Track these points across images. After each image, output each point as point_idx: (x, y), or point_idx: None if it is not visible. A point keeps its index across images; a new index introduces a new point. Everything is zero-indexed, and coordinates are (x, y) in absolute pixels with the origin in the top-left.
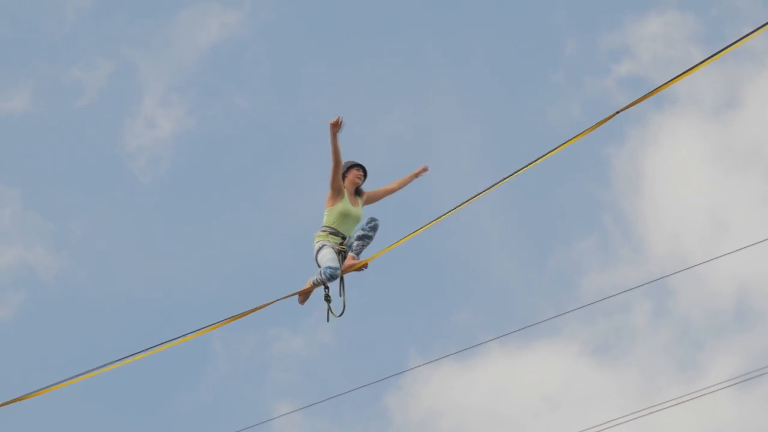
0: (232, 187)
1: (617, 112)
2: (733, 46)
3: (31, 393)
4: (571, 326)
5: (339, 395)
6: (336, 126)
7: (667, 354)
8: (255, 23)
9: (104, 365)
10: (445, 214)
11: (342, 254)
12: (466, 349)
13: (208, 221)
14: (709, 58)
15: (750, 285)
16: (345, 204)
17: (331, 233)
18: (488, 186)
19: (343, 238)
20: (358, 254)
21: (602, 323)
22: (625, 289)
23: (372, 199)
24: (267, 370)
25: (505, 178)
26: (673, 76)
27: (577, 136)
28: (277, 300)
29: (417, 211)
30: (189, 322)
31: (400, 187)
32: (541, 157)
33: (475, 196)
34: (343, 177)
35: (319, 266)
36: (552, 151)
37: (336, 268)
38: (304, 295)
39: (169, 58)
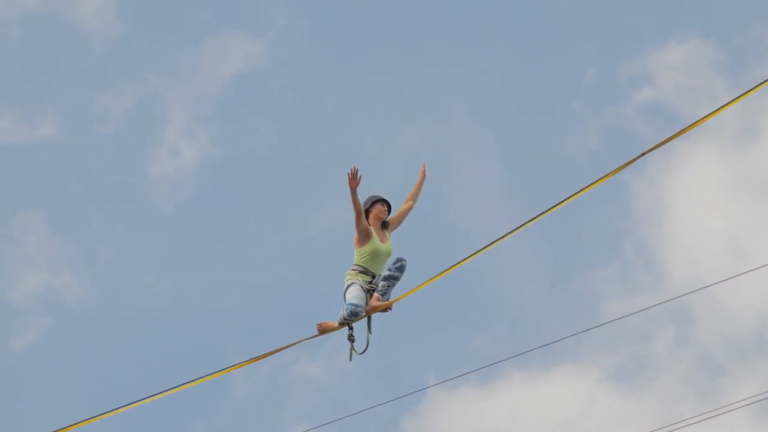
0: (254, 215)
1: (642, 154)
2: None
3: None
4: (591, 352)
5: (355, 413)
6: (354, 181)
7: (688, 380)
8: (279, 53)
9: (127, 405)
10: (467, 258)
11: (371, 293)
12: (481, 368)
13: (230, 250)
14: (738, 97)
15: None
16: (374, 243)
17: (361, 272)
18: (514, 227)
19: (373, 276)
20: (383, 295)
21: (622, 349)
22: (640, 309)
23: (396, 224)
24: (285, 395)
25: (530, 221)
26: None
27: (603, 177)
28: (301, 341)
29: (439, 233)
30: (212, 348)
31: (415, 200)
32: (567, 199)
33: (500, 238)
34: (368, 212)
35: (344, 300)
36: (578, 192)
37: (358, 306)
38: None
39: (193, 87)
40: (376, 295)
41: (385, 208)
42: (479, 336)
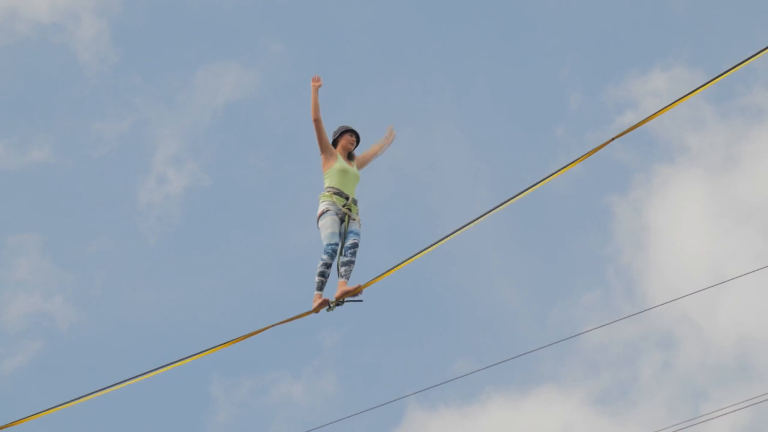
0: (242, 239)
1: (613, 139)
2: (734, 69)
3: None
4: (572, 375)
5: (335, 421)
6: (317, 81)
7: (669, 404)
8: (271, 82)
9: (101, 389)
10: (428, 248)
11: (347, 217)
12: (454, 379)
13: (218, 273)
14: (705, 84)
15: (751, 335)
16: (341, 162)
17: (335, 193)
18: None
19: (347, 198)
20: (348, 279)
21: (604, 374)
22: (613, 320)
23: (363, 163)
24: (267, 416)
25: (499, 206)
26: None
27: (571, 164)
28: (281, 322)
29: (424, 241)
30: (202, 375)
31: (381, 150)
32: (537, 184)
33: (468, 224)
34: (336, 142)
35: (319, 230)
36: (545, 179)
37: (335, 244)
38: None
39: (185, 116)
40: (342, 280)
41: (353, 139)
42: (462, 358)
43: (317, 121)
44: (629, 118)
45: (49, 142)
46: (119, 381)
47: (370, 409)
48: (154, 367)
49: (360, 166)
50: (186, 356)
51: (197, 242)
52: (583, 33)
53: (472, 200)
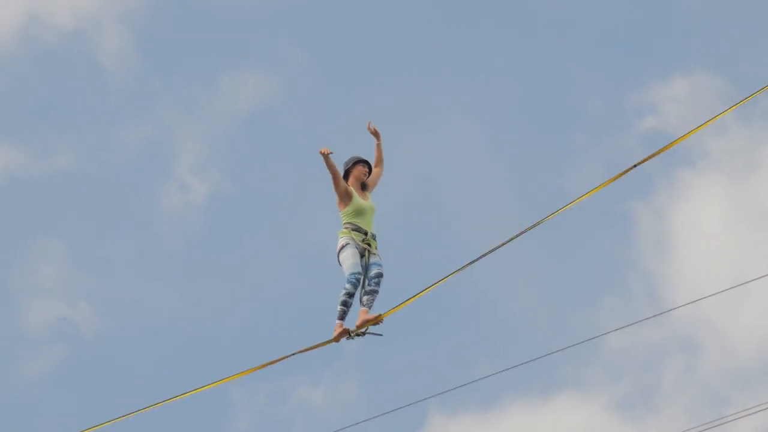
0: (263, 247)
1: (635, 165)
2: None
3: None
4: (594, 380)
5: (355, 424)
6: (326, 154)
7: (691, 409)
8: (294, 90)
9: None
10: (453, 273)
11: (367, 252)
12: (475, 381)
13: (240, 281)
14: (729, 108)
15: None
16: (357, 201)
17: (354, 230)
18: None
19: (366, 233)
20: (370, 308)
21: (625, 378)
22: (626, 325)
23: (373, 185)
24: (288, 423)
25: (521, 232)
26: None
27: (595, 189)
28: (302, 351)
29: (440, 247)
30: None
31: (382, 162)
32: (556, 211)
33: (488, 251)
34: (348, 173)
35: (340, 264)
36: (568, 204)
37: (359, 273)
38: (339, 335)
39: (208, 124)
40: (363, 308)
41: (366, 169)
42: (483, 362)
43: (336, 176)
44: (650, 123)
45: (72, 149)
46: (150, 404)
47: (390, 411)
48: (179, 392)
49: (371, 188)
50: (209, 383)
51: (220, 250)
52: (605, 38)
53: (491, 205)
